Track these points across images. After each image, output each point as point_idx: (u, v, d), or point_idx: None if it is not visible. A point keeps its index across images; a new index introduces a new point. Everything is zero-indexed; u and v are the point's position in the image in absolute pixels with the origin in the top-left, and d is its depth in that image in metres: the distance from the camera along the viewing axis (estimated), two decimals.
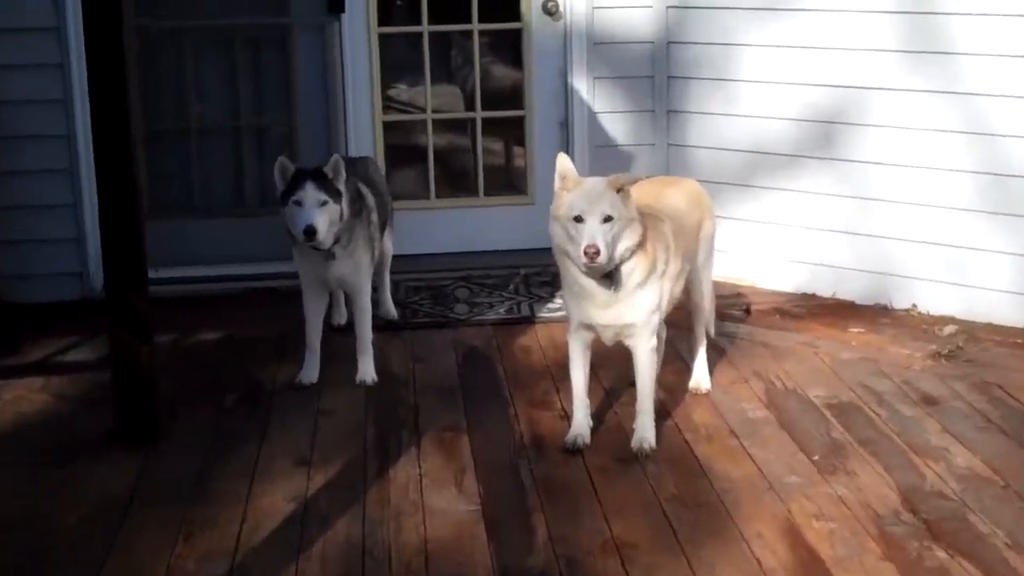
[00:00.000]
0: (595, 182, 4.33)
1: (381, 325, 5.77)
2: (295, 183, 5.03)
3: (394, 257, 6.04)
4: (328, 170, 5.05)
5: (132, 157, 4.67)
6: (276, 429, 4.88)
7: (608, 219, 4.24)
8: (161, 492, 4.37)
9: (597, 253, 4.19)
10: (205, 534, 4.06)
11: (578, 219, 4.24)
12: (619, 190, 4.28)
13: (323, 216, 4.99)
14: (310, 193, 5.00)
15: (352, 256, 5.24)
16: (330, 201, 5.02)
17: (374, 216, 5.44)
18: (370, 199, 5.43)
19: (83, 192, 6.26)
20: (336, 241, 5.14)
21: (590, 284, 4.40)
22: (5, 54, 6.14)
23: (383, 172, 6.29)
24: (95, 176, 4.74)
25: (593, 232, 4.21)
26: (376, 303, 5.72)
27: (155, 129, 6.62)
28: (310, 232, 4.97)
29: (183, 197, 6.76)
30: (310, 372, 5.30)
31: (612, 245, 4.25)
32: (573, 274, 4.41)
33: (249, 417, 5.00)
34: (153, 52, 6.61)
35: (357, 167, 5.60)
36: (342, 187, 5.08)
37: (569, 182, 4.32)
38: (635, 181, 4.42)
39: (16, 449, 4.76)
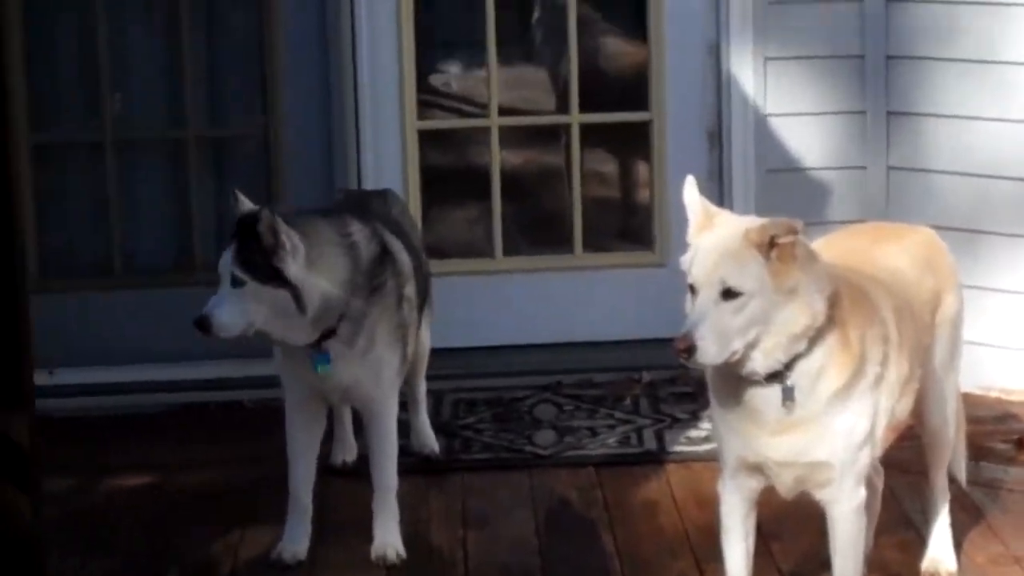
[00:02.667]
0: (730, 230, 4.29)
1: (413, 465, 5.83)
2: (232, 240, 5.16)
3: (434, 353, 6.12)
4: (262, 229, 5.04)
5: (10, 192, 4.76)
6: None
7: (732, 293, 4.27)
8: None
9: (688, 351, 4.20)
10: None
11: (692, 289, 4.25)
12: (770, 245, 4.29)
13: (234, 304, 5.04)
14: (225, 264, 5.07)
15: (368, 355, 5.29)
16: (249, 282, 5.04)
17: (409, 288, 5.49)
18: (403, 259, 5.49)
19: None
20: (328, 334, 5.19)
21: (753, 395, 4.40)
22: None
23: (414, 216, 6.39)
24: None
25: (695, 315, 4.19)
26: (405, 429, 5.78)
27: (49, 143, 6.81)
28: (201, 325, 5.04)
29: (94, 255, 6.92)
30: (296, 542, 5.34)
31: (746, 335, 4.26)
32: (722, 373, 4.42)
33: None
34: (47, 19, 6.78)
35: (374, 206, 5.68)
36: (288, 261, 5.05)
37: (698, 224, 4.34)
38: (797, 230, 4.36)
39: None
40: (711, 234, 4.28)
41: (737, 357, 4.19)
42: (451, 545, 5.49)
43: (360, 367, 5.26)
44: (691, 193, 4.35)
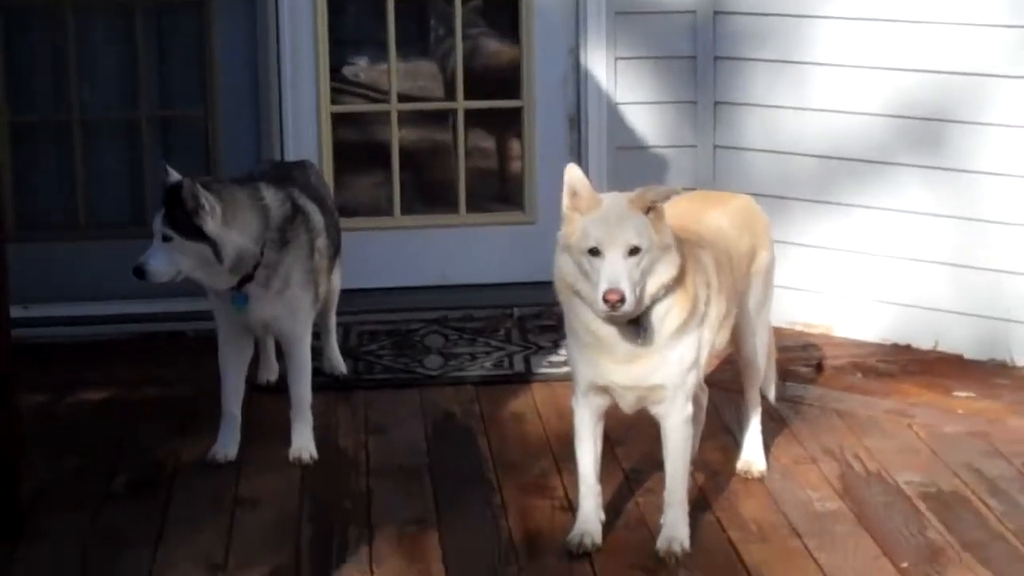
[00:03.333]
0: (616, 201, 4.31)
1: (324, 383, 5.79)
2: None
3: (343, 292, 6.08)
4: (185, 195, 5.03)
5: None
6: (179, 523, 4.87)
7: (635, 251, 4.23)
8: None
9: (621, 300, 4.16)
10: None
11: (594, 252, 4.23)
12: (649, 210, 4.28)
13: (163, 256, 5.08)
14: (156, 224, 5.09)
15: (283, 295, 5.28)
16: (176, 237, 5.04)
17: (320, 241, 5.47)
18: (316, 218, 5.46)
19: None
20: (247, 279, 5.19)
21: (608, 333, 4.37)
22: None
23: (328, 183, 6.35)
24: None
25: (615, 272, 4.18)
26: (318, 354, 5.73)
27: (24, 122, 6.71)
28: (137, 272, 5.11)
29: (62, 211, 6.81)
30: (227, 446, 5.32)
31: (640, 284, 4.24)
32: (584, 319, 4.39)
33: (144, 507, 4.99)
34: (22, 21, 6.69)
35: (295, 175, 5.66)
36: (207, 220, 5.05)
37: (582, 201, 4.29)
38: (670, 196, 4.39)
39: None
40: (601, 208, 4.26)
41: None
42: (355, 448, 5.47)
43: (277, 305, 5.28)
44: (578, 176, 4.33)
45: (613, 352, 4.41)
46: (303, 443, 5.34)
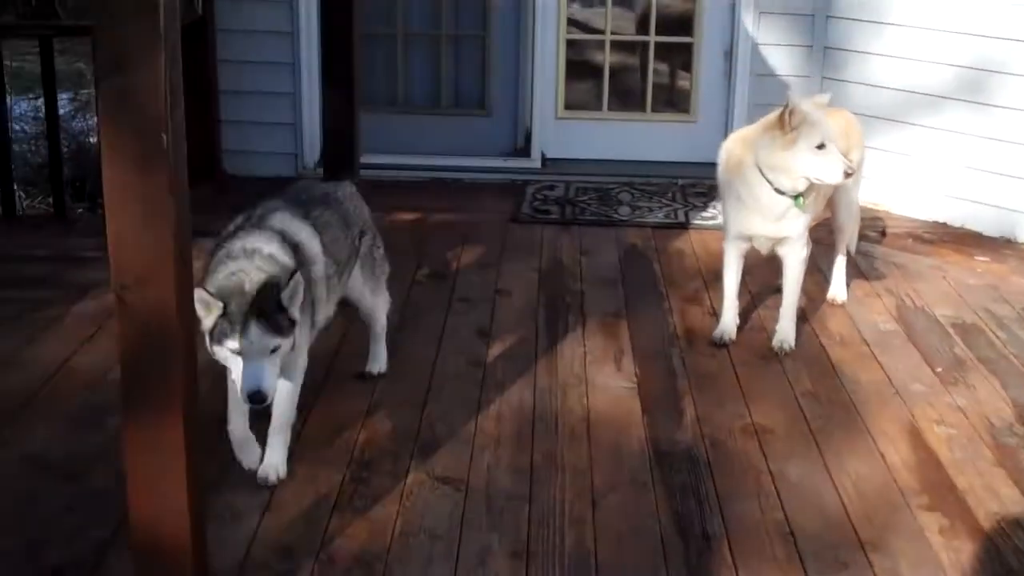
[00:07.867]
0: (821, 113, 4.23)
1: (553, 219, 5.86)
2: (232, 319, 3.12)
3: (565, 160, 6.03)
4: (286, 297, 3.18)
5: (353, 54, 4.76)
6: (460, 302, 4.97)
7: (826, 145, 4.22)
8: (362, 352, 4.48)
9: (850, 172, 4.19)
10: (398, 389, 4.20)
11: (821, 146, 4.16)
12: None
13: (271, 370, 3.15)
14: (253, 342, 3.11)
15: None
16: (283, 342, 3.17)
17: (316, 269, 3.58)
18: (312, 248, 3.58)
19: (302, 83, 6.39)
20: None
21: (771, 200, 4.30)
22: None
23: (358, 200, 4.26)
24: (320, 69, 4.87)
25: (840, 155, 4.19)
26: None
27: (366, 33, 6.70)
28: (259, 399, 3.11)
29: (387, 94, 6.85)
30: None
31: None
32: (755, 191, 4.31)
33: (437, 290, 5.10)
34: None
35: (314, 205, 3.80)
36: (297, 311, 3.23)
37: (797, 117, 4.16)
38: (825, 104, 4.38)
39: None
40: (814, 117, 4.17)
41: None
42: (572, 264, 5.49)
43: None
44: (801, 98, 4.31)
45: (769, 213, 4.36)
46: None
